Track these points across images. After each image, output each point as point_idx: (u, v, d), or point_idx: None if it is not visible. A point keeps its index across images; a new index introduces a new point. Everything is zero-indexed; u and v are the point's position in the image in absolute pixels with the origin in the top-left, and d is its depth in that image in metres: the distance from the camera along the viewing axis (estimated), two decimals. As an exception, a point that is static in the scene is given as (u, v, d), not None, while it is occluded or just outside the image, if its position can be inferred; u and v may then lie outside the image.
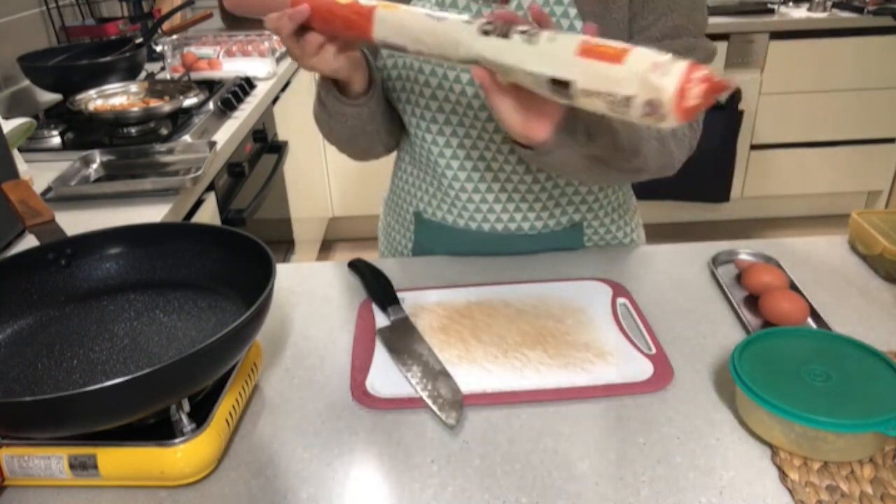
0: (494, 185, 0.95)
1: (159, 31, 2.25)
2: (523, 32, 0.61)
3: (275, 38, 2.33)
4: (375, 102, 0.89)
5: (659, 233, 3.02)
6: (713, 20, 2.64)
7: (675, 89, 0.54)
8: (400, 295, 0.88)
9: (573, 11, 0.83)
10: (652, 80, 0.55)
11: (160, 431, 0.62)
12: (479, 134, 0.91)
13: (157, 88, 1.77)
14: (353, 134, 0.93)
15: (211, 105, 1.72)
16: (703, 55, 0.85)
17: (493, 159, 0.93)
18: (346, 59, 0.80)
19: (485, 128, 0.91)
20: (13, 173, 1.14)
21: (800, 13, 2.74)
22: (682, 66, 0.55)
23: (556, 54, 0.59)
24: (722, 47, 2.66)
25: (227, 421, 0.66)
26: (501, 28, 0.62)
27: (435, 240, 1.04)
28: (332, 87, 0.86)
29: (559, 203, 0.97)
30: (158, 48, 2.22)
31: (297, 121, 2.42)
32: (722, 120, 2.70)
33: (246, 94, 1.90)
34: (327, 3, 0.72)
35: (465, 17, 0.67)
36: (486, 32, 0.63)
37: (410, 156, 1.01)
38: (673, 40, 0.83)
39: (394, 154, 1.08)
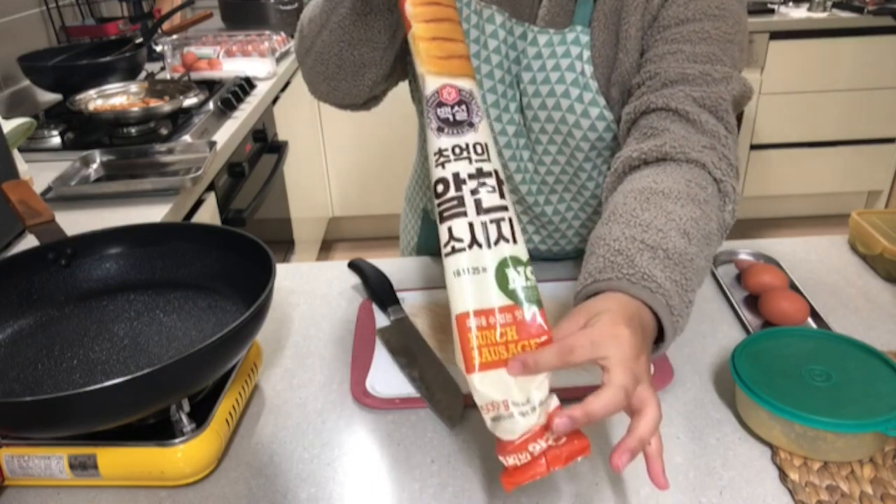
0: None
1: (159, 31, 2.25)
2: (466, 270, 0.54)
3: (275, 37, 2.33)
4: None
5: (659, 233, 3.01)
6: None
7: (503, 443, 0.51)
8: (400, 295, 0.88)
9: (587, 54, 0.80)
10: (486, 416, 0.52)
11: (160, 431, 0.62)
12: (499, 151, 0.89)
13: (157, 88, 1.77)
14: (345, 35, 0.75)
15: (211, 105, 1.72)
16: (741, 89, 0.78)
17: (507, 179, 0.91)
18: None
19: (501, 152, 0.88)
20: (13, 173, 1.14)
21: (800, 13, 2.74)
22: (514, 435, 0.51)
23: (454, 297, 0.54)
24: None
25: (227, 421, 0.66)
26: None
27: (436, 242, 1.03)
28: None
29: (572, 226, 0.96)
30: (158, 48, 2.22)
31: (297, 121, 2.42)
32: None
33: (246, 94, 1.90)
34: None
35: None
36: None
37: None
38: (705, 65, 0.76)
39: (412, 149, 1.06)
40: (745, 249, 0.97)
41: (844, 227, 0.99)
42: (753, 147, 2.88)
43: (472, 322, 0.52)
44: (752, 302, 0.86)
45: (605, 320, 0.54)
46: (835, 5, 2.78)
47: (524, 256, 0.55)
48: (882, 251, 0.90)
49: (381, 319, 0.85)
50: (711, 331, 0.82)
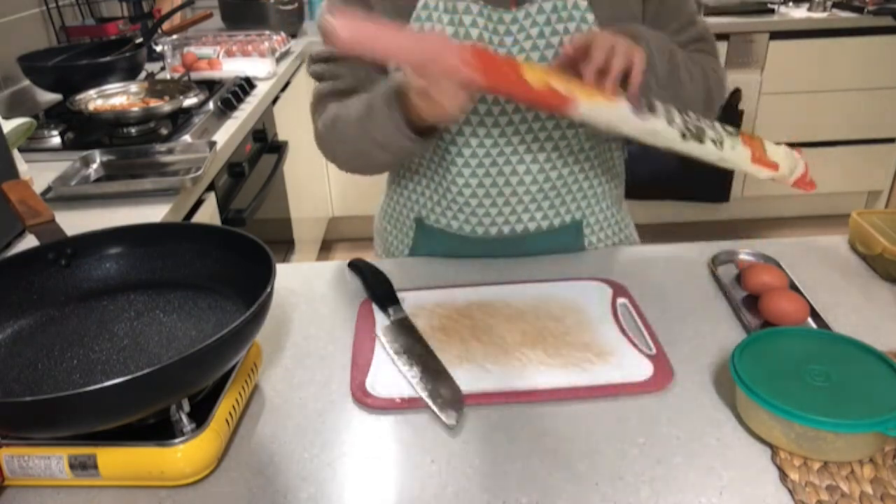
0: (506, 189, 0.95)
1: (159, 31, 2.25)
2: (713, 141, 0.82)
3: (275, 37, 2.33)
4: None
5: (659, 233, 3.01)
6: (713, 20, 2.64)
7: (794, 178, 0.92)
8: (400, 295, 0.88)
9: (590, 17, 0.87)
10: (788, 174, 0.91)
11: (160, 431, 0.62)
12: (495, 141, 0.92)
13: (157, 88, 1.77)
14: (370, 152, 0.91)
15: (211, 105, 1.72)
16: (713, 37, 1.00)
17: (507, 163, 0.93)
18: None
19: (499, 135, 0.91)
20: (13, 173, 1.14)
21: (800, 13, 2.74)
22: (801, 169, 0.92)
23: (737, 161, 0.85)
24: (722, 47, 2.66)
25: (227, 421, 0.66)
26: (697, 134, 0.82)
27: (436, 244, 1.03)
28: (402, 121, 0.83)
29: (564, 200, 0.98)
30: (158, 48, 2.22)
31: (297, 121, 2.42)
32: (722, 120, 2.70)
33: (246, 94, 1.90)
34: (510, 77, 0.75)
35: (662, 121, 0.80)
36: (684, 136, 0.81)
37: (415, 164, 1.01)
38: (689, 28, 0.97)
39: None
40: (745, 249, 0.97)
41: (844, 227, 0.99)
42: (753, 147, 2.88)
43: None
44: (752, 302, 0.86)
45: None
46: (835, 5, 2.78)
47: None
48: (882, 251, 0.90)
49: (381, 319, 0.85)
50: (711, 331, 0.82)
